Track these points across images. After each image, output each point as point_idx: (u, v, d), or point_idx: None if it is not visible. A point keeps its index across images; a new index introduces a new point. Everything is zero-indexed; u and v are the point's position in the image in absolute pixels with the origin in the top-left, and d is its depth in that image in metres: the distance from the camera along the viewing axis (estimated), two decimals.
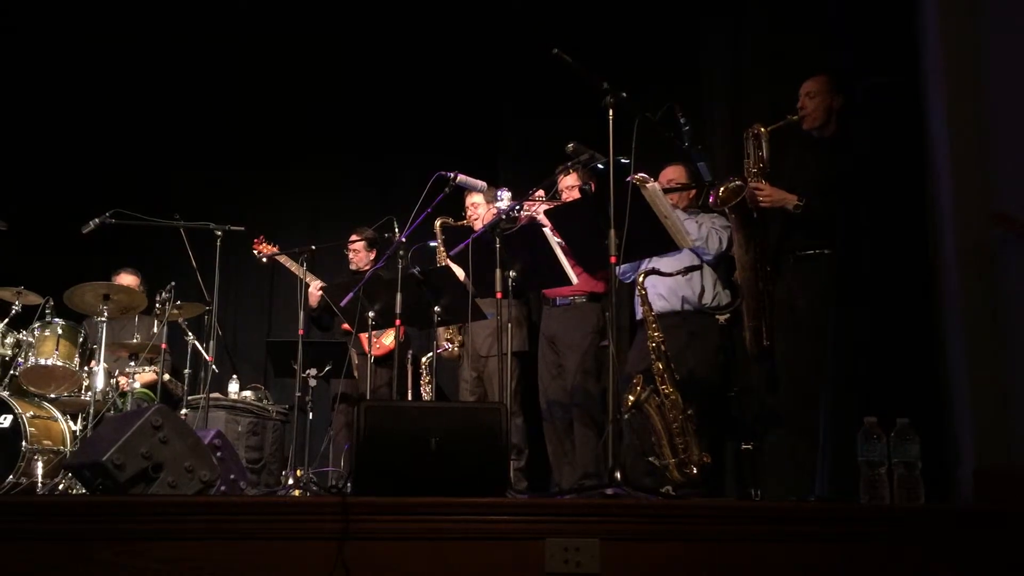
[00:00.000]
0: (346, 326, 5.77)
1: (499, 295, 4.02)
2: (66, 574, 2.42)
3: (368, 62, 6.84)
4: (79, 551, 2.41)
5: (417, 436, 2.66)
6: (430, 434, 2.66)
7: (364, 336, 5.06)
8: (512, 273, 4.07)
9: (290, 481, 4.72)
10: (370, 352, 4.94)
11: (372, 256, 5.90)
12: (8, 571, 2.40)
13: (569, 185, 4.77)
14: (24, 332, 5.20)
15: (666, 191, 4.12)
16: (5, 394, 4.93)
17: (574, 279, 4.17)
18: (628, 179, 3.54)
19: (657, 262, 4.13)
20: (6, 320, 5.19)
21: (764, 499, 3.82)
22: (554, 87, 5.58)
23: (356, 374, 5.48)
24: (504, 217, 4.32)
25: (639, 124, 3.48)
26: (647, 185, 3.64)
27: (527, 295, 5.22)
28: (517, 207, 4.49)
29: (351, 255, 5.99)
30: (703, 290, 4.48)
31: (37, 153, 6.60)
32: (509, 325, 4.19)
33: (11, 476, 4.73)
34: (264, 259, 5.88)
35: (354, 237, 5.90)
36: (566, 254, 4.11)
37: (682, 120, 3.89)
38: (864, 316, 3.69)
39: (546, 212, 4.35)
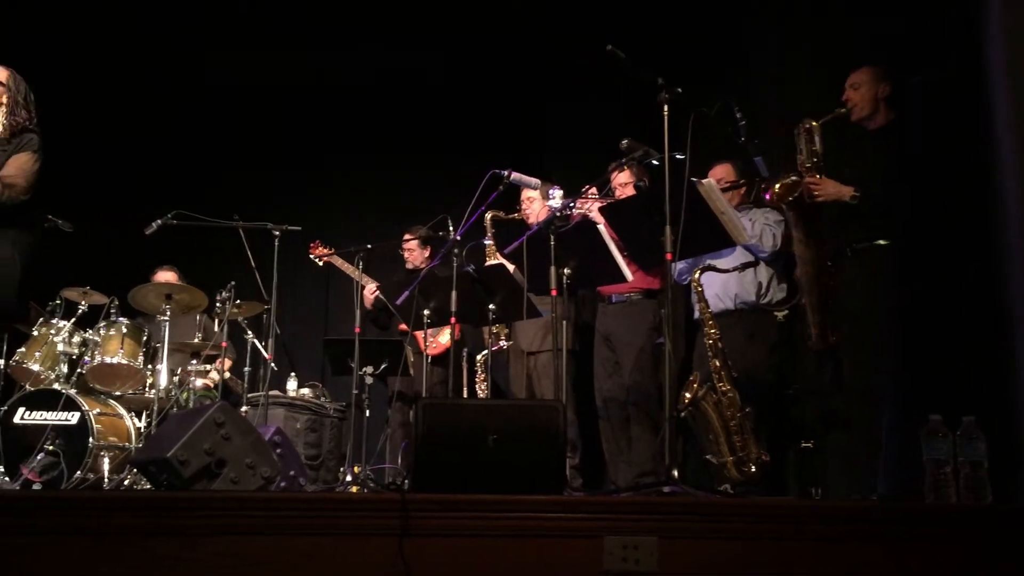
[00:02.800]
0: (403, 326, 5.83)
1: (554, 292, 4.01)
2: (131, 568, 2.47)
3: (420, 61, 6.88)
4: (144, 545, 2.46)
5: (475, 434, 2.67)
6: (488, 432, 2.67)
7: (420, 335, 5.10)
8: (567, 270, 4.07)
9: (348, 478, 4.77)
10: (425, 350, 4.97)
11: (426, 254, 5.94)
12: (75, 564, 2.46)
13: (623, 182, 4.75)
14: (90, 331, 5.32)
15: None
16: (72, 392, 5.05)
17: (629, 276, 4.16)
18: (690, 178, 3.51)
19: (713, 259, 4.10)
20: (73, 320, 5.32)
21: (825, 498, 3.77)
22: (603, 83, 5.58)
23: (412, 372, 5.52)
24: (558, 215, 4.31)
25: (694, 120, 3.46)
26: (703, 181, 3.61)
27: (577, 292, 5.21)
28: (570, 204, 4.49)
29: (406, 254, 6.04)
30: (759, 287, 4.44)
31: (101, 157, 6.77)
32: (565, 323, 4.18)
33: (79, 472, 4.85)
34: (320, 262, 5.96)
35: (408, 236, 5.95)
36: (621, 251, 4.09)
37: (738, 115, 3.85)
38: (927, 310, 3.61)
39: (600, 209, 4.34)
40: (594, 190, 4.56)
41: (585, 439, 5.10)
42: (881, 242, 3.75)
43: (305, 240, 5.96)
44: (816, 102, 4.23)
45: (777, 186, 3.83)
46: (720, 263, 4.07)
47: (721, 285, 4.44)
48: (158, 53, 6.78)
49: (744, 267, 4.18)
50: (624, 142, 3.90)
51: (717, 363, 3.94)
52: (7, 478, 4.58)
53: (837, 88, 4.04)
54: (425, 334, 4.89)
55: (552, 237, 4.00)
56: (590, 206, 4.54)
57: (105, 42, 6.64)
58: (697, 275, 4.09)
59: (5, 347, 5.20)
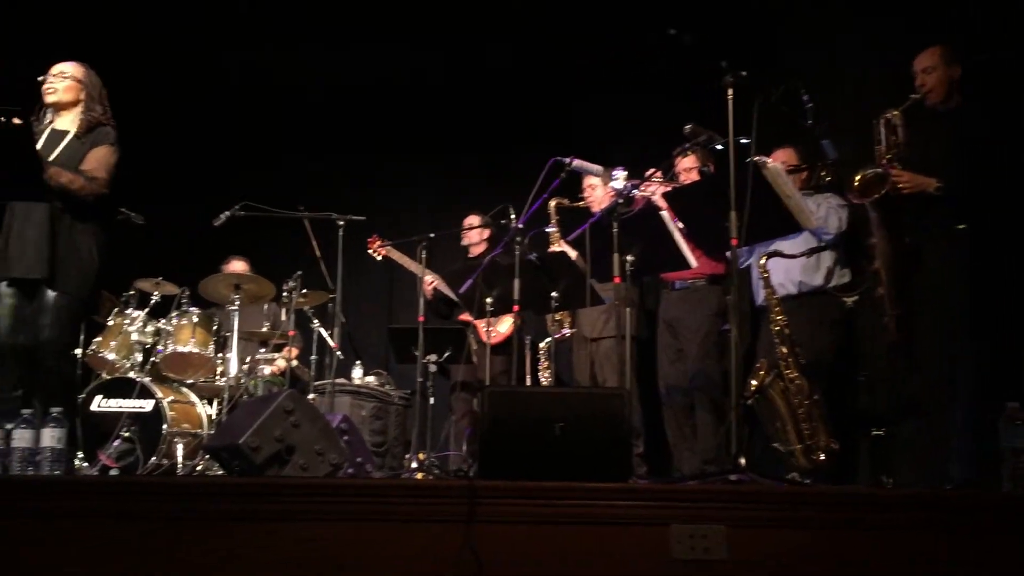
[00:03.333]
0: (463, 316, 5.88)
1: (617, 279, 4.00)
2: (207, 551, 2.54)
3: (482, 49, 6.89)
4: (221, 529, 2.52)
5: (541, 421, 2.68)
6: (554, 419, 2.68)
7: (480, 324, 5.13)
8: (630, 257, 4.05)
9: (413, 465, 4.82)
10: (488, 340, 5.00)
11: (486, 242, 5.98)
12: (154, 548, 2.53)
13: (687, 167, 4.71)
14: (163, 321, 5.46)
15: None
16: (147, 380, 5.18)
17: (693, 262, 4.12)
18: (749, 160, 3.47)
19: (779, 244, 4.04)
20: (146, 310, 5.46)
21: (896, 487, 3.69)
22: (663, 72, 5.54)
23: (475, 360, 5.55)
24: (621, 200, 4.29)
25: (759, 103, 3.41)
26: (768, 165, 3.56)
27: (641, 279, 5.18)
28: (633, 188, 4.45)
29: (466, 242, 6.09)
30: (826, 272, 4.37)
31: (172, 150, 6.92)
32: (629, 310, 4.16)
33: (154, 458, 4.99)
34: (378, 257, 6.02)
35: (468, 223, 5.99)
36: (685, 237, 4.06)
37: (805, 97, 3.78)
38: (1005, 295, 3.52)
39: (664, 195, 4.31)
40: (658, 174, 4.52)
41: (648, 426, 5.08)
42: (960, 227, 3.65)
43: (369, 229, 6.02)
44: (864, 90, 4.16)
45: (857, 180, 3.71)
46: (786, 248, 4.01)
47: (785, 270, 4.38)
48: (226, 47, 6.89)
49: (811, 252, 4.11)
50: (688, 127, 3.86)
51: (784, 350, 3.89)
52: (86, 464, 4.73)
53: (886, 75, 3.96)
54: (488, 323, 4.91)
55: (615, 224, 3.98)
56: (654, 191, 4.50)
57: (171, 34, 6.76)
58: (763, 261, 4.03)
59: (82, 337, 5.37)
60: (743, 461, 3.02)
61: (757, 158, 3.50)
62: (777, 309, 3.97)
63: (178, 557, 2.51)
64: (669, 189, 4.44)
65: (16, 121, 3.19)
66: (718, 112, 3.48)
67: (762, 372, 3.88)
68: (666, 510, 2.55)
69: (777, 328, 3.93)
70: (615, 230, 3.98)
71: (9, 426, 3.08)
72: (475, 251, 6.20)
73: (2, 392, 3.91)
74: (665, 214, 4.08)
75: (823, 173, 4.17)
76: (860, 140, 3.93)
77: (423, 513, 2.55)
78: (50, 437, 3.05)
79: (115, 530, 2.54)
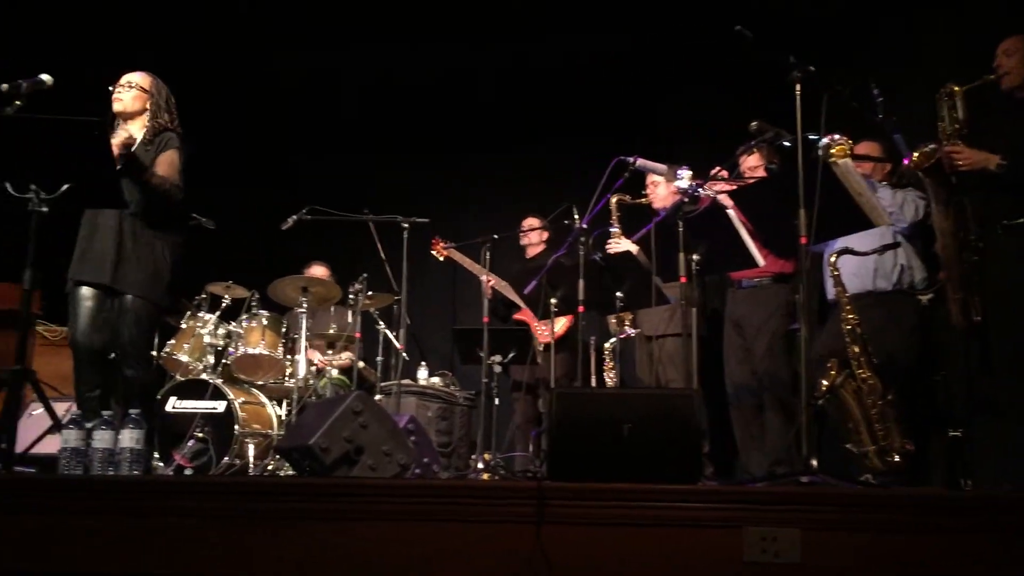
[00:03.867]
0: (518, 316, 5.89)
1: (683, 279, 3.97)
2: (281, 549, 2.58)
3: (542, 50, 6.89)
4: (300, 529, 2.56)
5: (609, 422, 2.67)
6: (622, 420, 2.67)
7: (535, 325, 5.14)
8: (695, 256, 4.01)
9: (479, 465, 4.84)
10: (553, 340, 5.00)
11: (545, 242, 5.99)
12: (230, 545, 2.58)
13: (752, 165, 4.65)
14: (233, 324, 5.58)
15: (854, 158, 3.94)
16: (219, 381, 5.30)
17: (761, 261, 4.07)
18: (821, 140, 3.41)
19: (850, 241, 3.96)
20: (218, 313, 5.58)
21: (975, 489, 3.60)
22: (728, 69, 5.47)
23: (540, 361, 5.56)
24: (686, 199, 4.25)
25: (828, 99, 3.35)
26: (839, 162, 3.49)
27: (704, 278, 5.13)
28: (698, 187, 4.41)
29: (524, 242, 6.11)
30: (900, 268, 4.27)
31: (239, 157, 7.06)
32: (693, 310, 4.12)
33: (226, 458, 5.09)
34: (441, 258, 6.06)
35: (527, 224, 6.01)
36: (752, 235, 4.01)
37: (875, 91, 3.70)
38: None
39: (730, 193, 4.26)
40: (723, 173, 4.47)
41: (713, 426, 5.02)
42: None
43: (433, 232, 6.06)
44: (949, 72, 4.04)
45: (916, 154, 3.66)
46: (858, 245, 3.93)
47: (860, 266, 4.29)
48: (289, 51, 7.01)
49: (883, 249, 4.02)
50: (753, 124, 3.81)
51: (856, 349, 3.81)
52: (161, 463, 4.85)
53: (972, 58, 3.86)
54: (552, 323, 4.91)
55: (680, 223, 3.95)
56: (719, 190, 4.45)
57: (235, 39, 6.90)
58: (833, 258, 3.96)
59: (157, 340, 5.51)
60: (815, 463, 2.97)
61: (827, 138, 3.44)
62: (848, 308, 3.89)
63: (254, 555, 2.56)
64: (735, 187, 4.39)
65: (95, 132, 3.27)
66: (786, 108, 3.43)
67: (833, 372, 3.81)
68: (738, 512, 2.52)
69: (849, 327, 3.85)
70: (680, 229, 3.94)
71: (89, 426, 3.17)
72: (532, 252, 6.22)
73: (81, 393, 4.03)
74: (732, 212, 4.04)
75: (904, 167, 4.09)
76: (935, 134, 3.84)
77: (493, 514, 2.56)
78: (129, 438, 3.13)
79: (195, 527, 2.59)
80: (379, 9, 6.74)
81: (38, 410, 4.82)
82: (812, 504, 2.52)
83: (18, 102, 3.59)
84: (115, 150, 3.76)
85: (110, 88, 4.14)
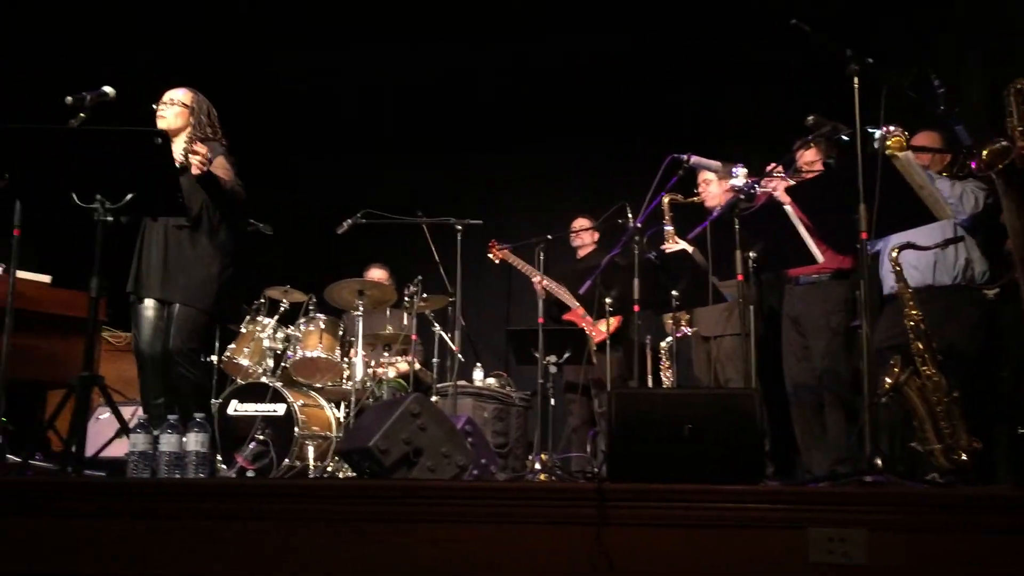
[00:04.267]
0: (567, 316, 5.89)
1: (740, 277, 3.93)
2: (343, 551, 2.61)
3: (595, 48, 6.88)
4: (360, 530, 2.59)
5: (669, 423, 2.66)
6: (682, 421, 2.65)
7: (582, 325, 5.13)
8: (752, 254, 3.97)
9: (536, 466, 4.84)
10: (605, 338, 4.98)
11: (596, 242, 5.97)
12: (293, 547, 2.62)
13: (809, 160, 4.58)
14: (292, 327, 5.65)
15: (914, 149, 3.87)
16: (278, 384, 5.37)
17: (819, 257, 4.01)
18: (879, 131, 3.35)
19: (912, 235, 3.88)
20: (276, 317, 5.66)
21: None
22: (783, 65, 5.40)
23: (595, 361, 5.54)
24: (742, 196, 4.21)
25: (887, 91, 3.29)
26: (899, 155, 3.43)
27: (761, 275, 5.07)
28: (754, 184, 4.36)
29: (576, 242, 6.10)
30: (964, 262, 4.18)
31: (295, 163, 7.17)
32: (751, 308, 4.08)
33: (287, 460, 5.16)
34: (497, 261, 6.07)
35: (578, 225, 6.00)
36: (810, 231, 3.95)
37: (936, 83, 3.63)
38: None
39: (787, 189, 4.20)
40: (779, 169, 4.42)
41: (773, 425, 4.96)
42: None
43: (486, 233, 6.08)
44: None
45: (984, 152, 3.56)
46: (920, 240, 3.85)
47: (915, 261, 4.20)
48: (344, 55, 7.08)
49: (946, 243, 3.93)
50: (810, 118, 3.77)
51: (920, 345, 3.73)
52: (224, 466, 4.93)
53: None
54: (588, 323, 4.90)
55: (737, 220, 3.91)
56: (775, 186, 4.39)
57: (287, 43, 6.99)
58: (895, 253, 3.88)
59: (217, 344, 5.61)
60: (879, 462, 2.92)
61: (882, 130, 3.38)
62: (911, 303, 3.81)
63: (317, 557, 2.59)
64: (792, 183, 4.33)
65: (158, 141, 3.34)
66: (843, 102, 3.38)
67: (896, 369, 3.74)
68: (802, 513, 2.49)
69: (912, 323, 3.77)
70: (737, 227, 3.91)
71: (156, 432, 3.23)
72: (583, 252, 6.20)
73: (147, 400, 4.14)
74: (789, 209, 3.99)
75: (968, 156, 3.99)
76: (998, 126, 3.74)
77: (554, 516, 2.56)
78: (195, 441, 3.19)
79: (258, 531, 2.63)
80: (434, 7, 6.78)
81: (105, 414, 4.95)
82: (879, 504, 2.47)
83: (82, 114, 3.69)
84: (195, 170, 3.89)
85: (153, 107, 4.24)
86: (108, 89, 3.76)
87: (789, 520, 2.48)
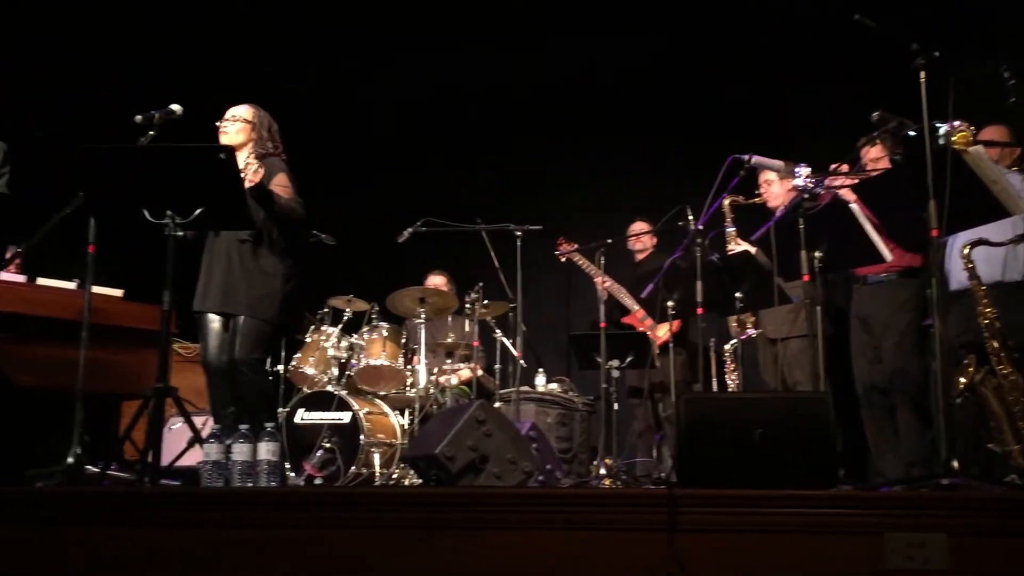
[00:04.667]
0: (625, 319, 5.86)
1: (806, 277, 3.87)
2: (415, 557, 2.62)
3: (653, 48, 6.85)
4: (429, 538, 2.60)
5: (740, 427, 2.63)
6: (752, 425, 2.62)
7: (639, 324, 5.10)
8: (818, 253, 3.91)
9: (601, 471, 4.83)
10: (666, 342, 4.94)
11: (654, 245, 5.96)
12: (363, 553, 2.64)
13: (875, 157, 4.49)
14: (355, 336, 5.72)
15: (983, 143, 3.77)
16: (343, 393, 5.43)
17: (888, 255, 3.93)
18: (944, 126, 3.27)
19: (983, 231, 3.79)
20: (340, 326, 5.73)
21: None
22: (846, 62, 5.31)
23: (657, 365, 5.51)
24: (806, 195, 4.15)
25: (955, 83, 3.22)
26: (970, 149, 3.34)
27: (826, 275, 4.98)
28: (817, 183, 4.29)
29: (634, 245, 6.08)
30: None
31: (356, 174, 7.25)
32: (818, 308, 4.01)
33: (353, 467, 5.22)
34: (563, 258, 6.06)
35: (636, 228, 5.97)
36: (877, 229, 3.88)
37: (1006, 74, 3.53)
38: None
39: (853, 187, 4.13)
40: (844, 167, 4.34)
41: (843, 428, 4.85)
42: None
43: (544, 239, 6.08)
44: None
45: None
46: (992, 235, 3.75)
47: (984, 257, 4.09)
48: (400, 62, 7.15)
49: (1021, 239, 3.82)
50: (875, 114, 3.70)
51: (995, 344, 3.64)
52: (292, 474, 5.00)
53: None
54: (645, 326, 4.87)
55: (801, 220, 3.86)
56: (840, 184, 4.32)
57: (347, 55, 7.08)
58: (967, 250, 3.79)
59: (283, 354, 5.70)
60: (956, 464, 2.85)
61: (947, 125, 3.31)
62: (985, 301, 3.72)
63: (387, 564, 2.61)
64: (856, 181, 4.25)
65: (223, 156, 3.40)
66: (909, 97, 3.31)
67: (971, 368, 3.65)
68: (878, 518, 2.43)
69: (987, 321, 3.67)
70: (801, 226, 3.85)
71: (228, 441, 3.29)
72: (641, 256, 6.17)
73: (217, 411, 4.22)
74: (855, 207, 3.92)
75: None
76: None
77: (623, 522, 2.55)
78: (266, 450, 3.24)
79: (328, 538, 2.66)
80: (490, 10, 6.81)
81: (176, 424, 5.07)
82: (959, 508, 2.41)
83: (151, 132, 3.78)
84: (247, 183, 3.95)
85: (217, 124, 4.33)
86: (175, 107, 3.85)
87: (865, 526, 2.43)
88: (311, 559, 2.67)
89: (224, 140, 4.27)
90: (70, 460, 3.61)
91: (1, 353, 4.33)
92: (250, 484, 3.20)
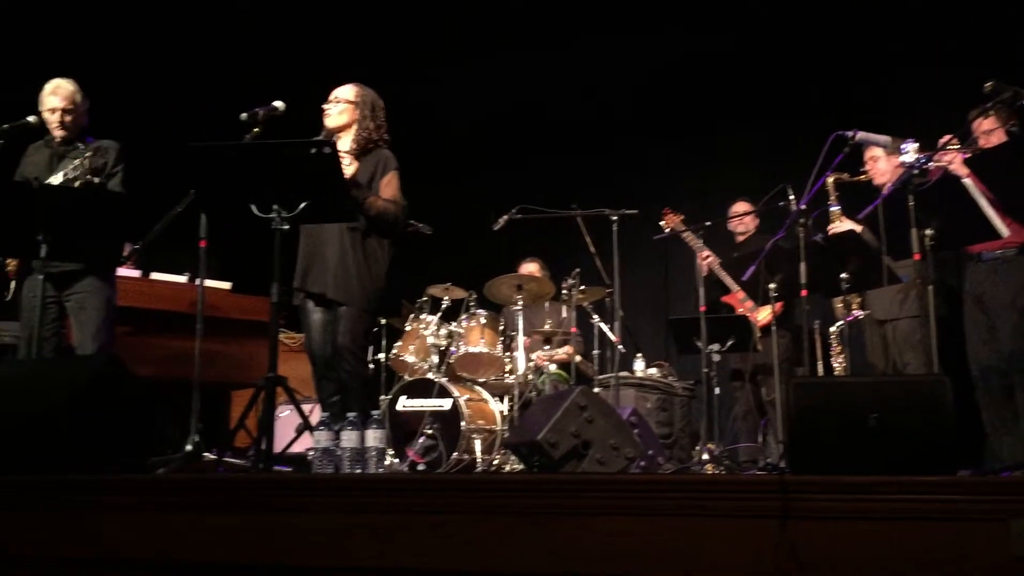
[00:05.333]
0: (725, 298, 5.75)
1: (917, 256, 3.75)
2: (524, 541, 2.64)
3: (746, 30, 6.71)
4: (542, 524, 2.61)
5: (853, 412, 2.56)
6: (866, 409, 2.54)
7: (740, 311, 5.02)
8: (929, 231, 3.78)
9: (704, 456, 4.78)
10: (767, 324, 4.85)
11: (755, 226, 5.84)
12: (476, 539, 2.67)
13: (987, 129, 4.31)
14: (454, 324, 5.78)
15: None
16: (444, 380, 5.50)
17: (1004, 231, 3.78)
18: None
19: None
20: (439, 314, 5.80)
21: None
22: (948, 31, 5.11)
23: (759, 348, 5.42)
24: (915, 171, 4.01)
25: None
26: None
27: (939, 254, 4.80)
28: (926, 159, 4.14)
29: (736, 226, 5.96)
30: None
31: (452, 163, 7.32)
32: (930, 288, 3.88)
33: (455, 453, 5.28)
34: (667, 229, 5.95)
35: (738, 209, 5.85)
36: (993, 204, 3.73)
37: None
38: None
39: (966, 161, 3.97)
40: (954, 141, 4.18)
41: (958, 411, 4.69)
42: None
43: (641, 223, 6.01)
44: None
45: None
46: None
47: None
48: (498, 53, 7.17)
49: None
50: (988, 84, 3.56)
51: None
52: (396, 460, 5.10)
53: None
54: (746, 308, 4.77)
55: (911, 197, 3.74)
56: (951, 158, 4.16)
57: (448, 46, 7.14)
58: None
59: (384, 342, 5.81)
60: None
61: None
62: None
63: (495, 549, 2.63)
64: (968, 155, 4.09)
65: (326, 150, 3.47)
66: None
67: None
68: (1003, 504, 2.34)
69: None
70: (911, 203, 3.73)
71: (336, 428, 3.37)
72: (743, 237, 6.05)
73: (323, 399, 4.31)
74: (968, 182, 3.77)
75: None
76: None
77: (733, 509, 2.51)
78: (373, 437, 3.31)
79: (440, 524, 2.70)
80: (585, 3, 6.78)
81: (284, 412, 5.22)
82: None
83: (256, 129, 3.88)
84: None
85: (323, 107, 4.31)
86: (279, 104, 3.94)
87: (989, 512, 2.33)
88: (422, 544, 2.71)
89: (328, 123, 4.25)
90: (188, 447, 3.76)
91: (122, 345, 4.53)
92: (359, 470, 3.27)
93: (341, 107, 4.26)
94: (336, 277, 4.11)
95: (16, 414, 3.07)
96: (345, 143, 4.20)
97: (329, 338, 4.19)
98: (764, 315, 5.46)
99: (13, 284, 4.37)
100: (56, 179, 4.20)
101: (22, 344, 4.35)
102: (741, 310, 5.58)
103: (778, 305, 5.27)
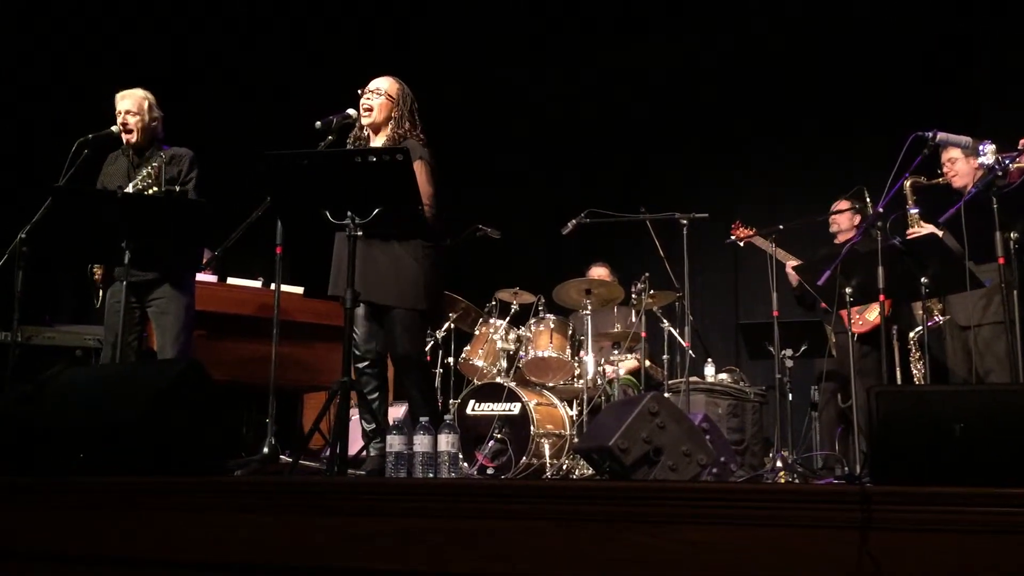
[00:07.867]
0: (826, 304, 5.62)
1: (1001, 260, 3.64)
2: (602, 549, 2.62)
3: (811, 27, 6.60)
4: (616, 531, 2.60)
5: (938, 421, 2.49)
6: (951, 419, 2.47)
7: (844, 313, 4.87)
8: (1014, 234, 3.67)
9: (777, 464, 4.69)
10: (850, 328, 4.74)
11: (855, 224, 5.72)
12: (551, 546, 2.66)
13: None
14: (523, 328, 5.78)
15: None
16: (512, 384, 5.50)
17: None
18: None
19: None
20: (508, 318, 5.81)
21: None
22: None
23: (835, 354, 5.30)
24: (998, 173, 3.89)
25: None
26: None
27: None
28: (1008, 160, 4.02)
29: (835, 227, 5.82)
30: None
31: (520, 168, 7.33)
32: (1015, 293, 3.76)
33: (524, 457, 5.29)
34: (741, 243, 5.87)
35: (839, 206, 5.70)
36: None
37: None
38: None
39: None
40: None
41: None
42: None
43: (711, 227, 5.95)
44: None
45: None
46: None
47: None
48: (567, 57, 7.17)
49: None
50: None
51: None
52: (465, 464, 5.11)
53: None
54: (849, 312, 4.66)
55: (994, 199, 3.63)
56: None
57: (515, 51, 7.15)
58: None
59: (453, 346, 5.84)
60: None
61: None
62: None
63: (583, 557, 2.62)
64: None
65: (399, 158, 3.47)
66: None
67: None
68: None
69: None
70: (995, 206, 3.62)
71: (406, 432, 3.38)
72: (844, 237, 5.88)
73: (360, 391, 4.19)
74: None
75: None
76: None
77: (812, 519, 2.46)
78: (446, 442, 3.32)
79: (509, 529, 2.70)
80: (657, 5, 6.74)
81: (356, 415, 5.27)
82: None
83: (330, 136, 3.93)
84: None
85: (359, 91, 4.12)
86: (351, 111, 3.98)
87: None
88: (492, 550, 2.71)
89: (367, 118, 4.07)
90: (265, 450, 3.83)
91: (198, 349, 4.63)
92: (431, 475, 3.29)
93: (381, 100, 4.07)
94: (379, 280, 3.95)
95: (100, 416, 3.15)
96: (380, 141, 4.09)
97: (373, 338, 4.06)
98: (874, 316, 5.31)
99: (101, 292, 4.49)
100: (130, 188, 4.30)
101: (106, 348, 4.46)
102: (846, 314, 5.34)
103: (887, 303, 5.09)
